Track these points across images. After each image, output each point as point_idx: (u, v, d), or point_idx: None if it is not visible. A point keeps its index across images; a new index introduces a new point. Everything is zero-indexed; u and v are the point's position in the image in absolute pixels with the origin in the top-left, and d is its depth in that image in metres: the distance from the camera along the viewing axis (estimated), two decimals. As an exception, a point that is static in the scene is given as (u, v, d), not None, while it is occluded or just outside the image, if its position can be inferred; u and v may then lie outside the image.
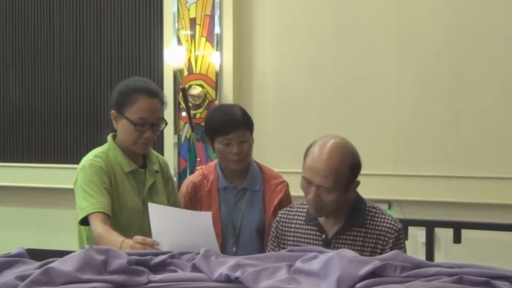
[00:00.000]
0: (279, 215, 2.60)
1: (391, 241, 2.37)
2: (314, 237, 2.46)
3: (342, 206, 2.41)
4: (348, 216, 2.42)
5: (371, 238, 2.39)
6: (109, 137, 2.71)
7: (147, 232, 2.34)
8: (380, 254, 2.34)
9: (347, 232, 2.41)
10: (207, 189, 2.90)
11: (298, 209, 2.55)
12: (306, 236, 2.48)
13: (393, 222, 2.41)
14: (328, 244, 2.41)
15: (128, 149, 2.67)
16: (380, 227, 2.39)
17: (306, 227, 2.49)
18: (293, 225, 2.53)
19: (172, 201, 2.80)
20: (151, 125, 2.61)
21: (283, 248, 2.49)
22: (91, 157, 2.63)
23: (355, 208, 2.43)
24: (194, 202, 2.90)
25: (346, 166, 2.34)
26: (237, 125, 2.77)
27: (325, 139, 2.39)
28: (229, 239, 2.86)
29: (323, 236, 2.43)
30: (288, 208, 2.60)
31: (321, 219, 2.46)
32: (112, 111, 2.66)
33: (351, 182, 2.37)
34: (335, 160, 2.32)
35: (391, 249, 2.35)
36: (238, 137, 2.77)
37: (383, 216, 2.43)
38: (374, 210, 2.44)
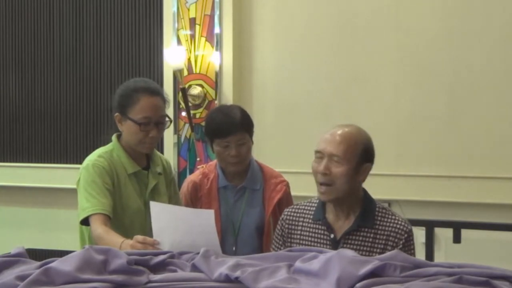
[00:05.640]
0: (285, 213, 2.54)
1: (401, 242, 2.34)
2: (322, 236, 2.41)
3: (352, 201, 2.38)
4: (358, 216, 2.38)
5: (380, 239, 2.35)
6: (114, 137, 2.71)
7: (148, 233, 2.34)
8: None
9: (356, 233, 2.37)
10: (207, 188, 2.91)
11: (306, 208, 2.50)
12: (313, 235, 2.43)
13: (403, 223, 2.38)
14: (336, 244, 2.36)
15: (133, 150, 2.67)
16: (390, 228, 2.36)
17: (314, 226, 2.44)
18: (300, 224, 2.47)
19: (174, 203, 2.79)
20: (156, 124, 2.61)
21: (289, 247, 2.47)
22: (94, 157, 2.63)
23: (366, 209, 2.39)
24: (194, 201, 2.91)
25: (360, 142, 2.34)
26: (235, 128, 2.76)
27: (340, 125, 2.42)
28: (228, 238, 2.87)
29: (332, 236, 2.39)
30: (294, 206, 2.55)
31: (330, 218, 2.41)
32: (116, 114, 2.65)
33: (361, 163, 2.35)
34: (349, 132, 2.34)
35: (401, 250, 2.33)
36: (236, 140, 2.77)
37: (393, 217, 2.39)
38: (384, 211, 2.41)
